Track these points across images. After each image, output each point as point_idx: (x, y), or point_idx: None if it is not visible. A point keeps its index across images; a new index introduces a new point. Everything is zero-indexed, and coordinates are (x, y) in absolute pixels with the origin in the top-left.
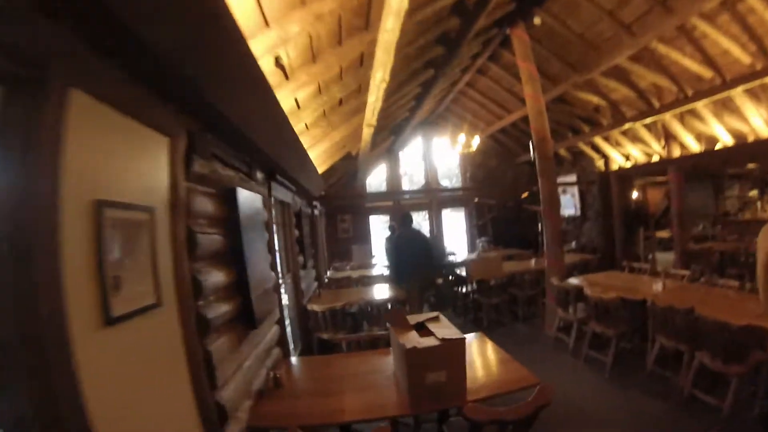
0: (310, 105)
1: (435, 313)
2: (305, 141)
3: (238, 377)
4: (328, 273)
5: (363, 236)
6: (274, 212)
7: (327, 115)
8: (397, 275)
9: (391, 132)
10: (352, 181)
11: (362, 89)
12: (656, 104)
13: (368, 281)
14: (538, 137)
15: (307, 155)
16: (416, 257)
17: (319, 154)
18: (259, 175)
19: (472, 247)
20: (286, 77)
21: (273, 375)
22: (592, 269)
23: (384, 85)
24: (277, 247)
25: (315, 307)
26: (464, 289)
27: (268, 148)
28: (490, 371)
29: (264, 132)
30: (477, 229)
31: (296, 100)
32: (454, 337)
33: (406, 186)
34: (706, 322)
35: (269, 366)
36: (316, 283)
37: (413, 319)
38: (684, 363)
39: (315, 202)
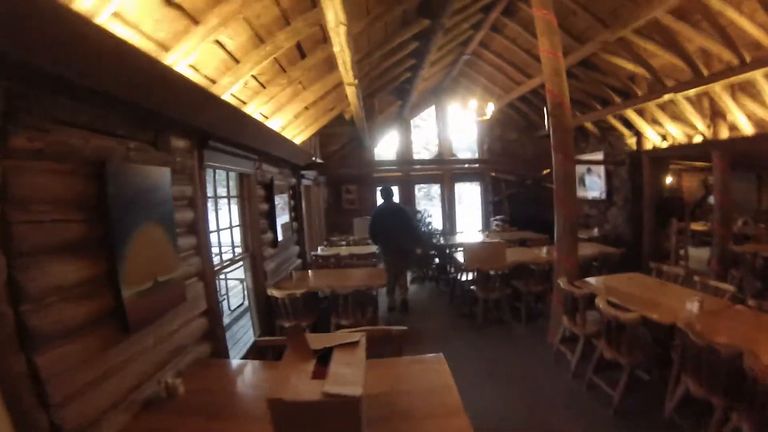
0: (251, 57)
1: (358, 335)
2: (262, 101)
3: (102, 389)
4: (319, 249)
5: (370, 208)
6: (216, 185)
7: (287, 71)
8: (376, 243)
9: (397, 96)
10: (358, 149)
11: (327, 39)
12: (704, 72)
13: (357, 261)
14: (554, 102)
15: (252, 119)
16: (393, 228)
17: (297, 117)
18: (180, 144)
19: (486, 226)
20: (196, 23)
21: (164, 383)
22: (613, 266)
23: (343, 30)
24: (222, 225)
25: (275, 292)
26: (459, 276)
27: (162, 108)
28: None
29: (145, 90)
30: (492, 206)
31: (228, 51)
32: (344, 392)
33: (419, 156)
34: (757, 375)
35: (180, 369)
36: (299, 261)
37: (321, 340)
38: (714, 420)
39: (305, 172)
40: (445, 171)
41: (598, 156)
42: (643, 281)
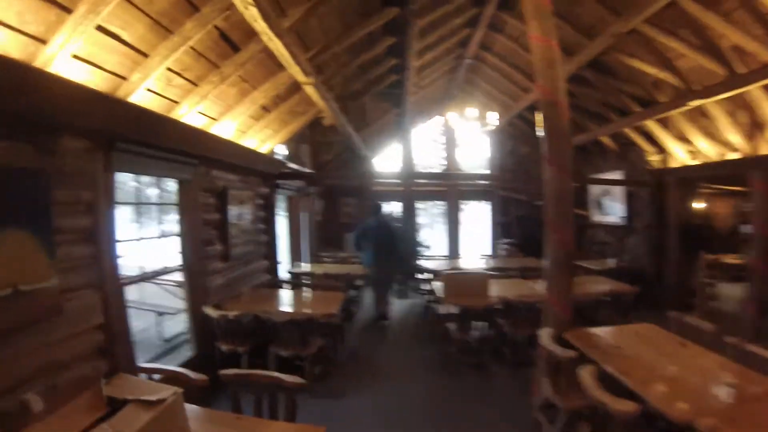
0: (160, 51)
1: (168, 392)
2: (194, 101)
3: None
4: (302, 265)
5: None
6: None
7: (220, 66)
8: (362, 259)
9: (393, 103)
10: (354, 160)
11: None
12: (741, 70)
13: (326, 282)
14: (546, 101)
15: (175, 120)
16: (377, 244)
17: (258, 120)
18: (75, 145)
19: (493, 249)
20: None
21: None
22: (626, 308)
23: (253, 12)
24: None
25: (210, 311)
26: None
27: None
28: None
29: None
30: (501, 228)
31: (129, 44)
32: None
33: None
34: None
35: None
36: (266, 278)
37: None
38: None
39: (286, 182)
40: (450, 187)
41: (617, 175)
42: (658, 339)
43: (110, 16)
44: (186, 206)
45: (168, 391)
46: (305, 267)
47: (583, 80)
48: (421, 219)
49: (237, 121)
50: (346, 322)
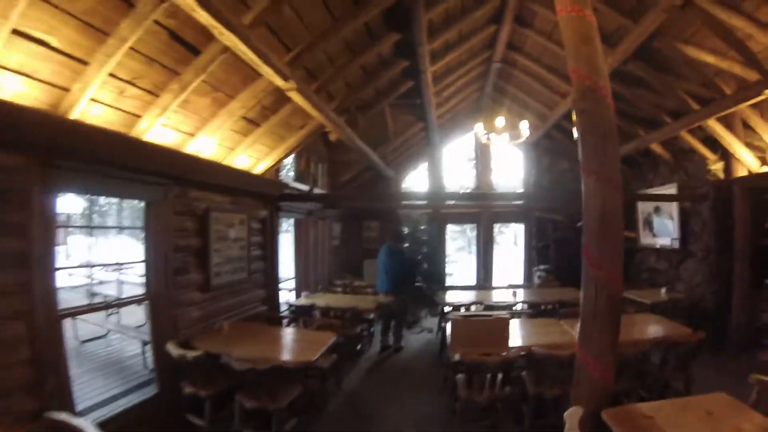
0: (97, 57)
1: None
2: (155, 113)
3: None
4: (303, 296)
5: None
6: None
7: (178, 72)
8: (378, 283)
9: (417, 115)
10: (377, 180)
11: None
12: None
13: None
14: (582, 87)
15: (129, 138)
16: (387, 270)
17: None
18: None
19: (528, 277)
20: None
21: None
22: (683, 357)
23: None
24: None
25: (172, 349)
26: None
27: None
28: None
29: None
30: (536, 252)
31: (63, 52)
32: None
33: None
34: None
35: None
36: (262, 310)
37: None
38: None
39: (291, 204)
40: (483, 209)
41: (670, 190)
42: (735, 420)
43: (30, 20)
44: (154, 230)
45: None
46: (309, 298)
47: (628, 76)
48: (454, 243)
49: (216, 135)
50: (346, 362)
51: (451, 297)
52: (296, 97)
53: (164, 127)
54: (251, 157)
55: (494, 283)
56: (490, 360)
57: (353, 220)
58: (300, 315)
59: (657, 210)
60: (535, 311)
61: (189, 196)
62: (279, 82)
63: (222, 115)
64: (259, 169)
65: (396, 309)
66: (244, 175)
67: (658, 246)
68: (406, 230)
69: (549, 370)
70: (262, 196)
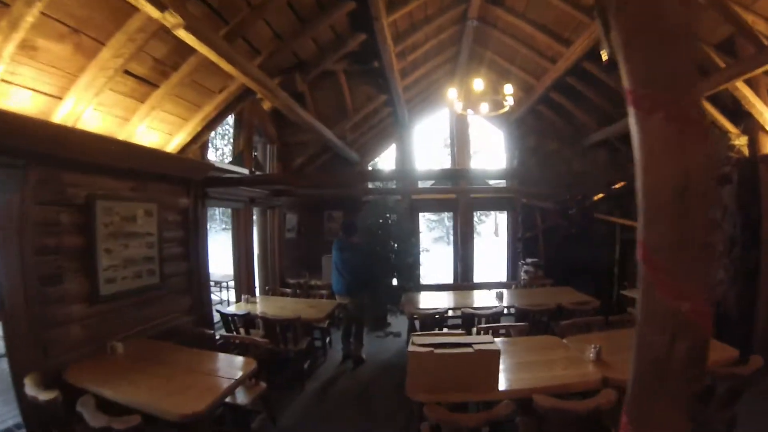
0: None
1: None
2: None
3: None
4: (242, 300)
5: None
6: None
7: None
8: (333, 283)
9: (378, 87)
10: (338, 164)
11: None
12: None
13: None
14: None
15: None
16: (344, 268)
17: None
18: None
19: (513, 272)
20: None
21: None
22: (732, 391)
23: None
24: None
25: (29, 385)
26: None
27: None
28: None
29: None
30: (522, 245)
31: None
32: None
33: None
34: None
35: None
36: (186, 321)
37: None
38: None
39: (222, 190)
40: (460, 194)
41: None
42: None
43: None
44: (2, 227)
45: None
46: (249, 303)
47: None
48: (431, 234)
49: (94, 99)
50: (285, 389)
51: (423, 300)
52: (189, 39)
53: (7, 84)
54: (157, 130)
55: (475, 279)
56: (466, 421)
57: (312, 210)
58: (229, 325)
59: None
60: (528, 323)
61: (61, 181)
62: (154, 13)
63: (92, 68)
64: (172, 146)
65: (352, 314)
66: (148, 154)
67: None
68: (373, 220)
69: (556, 422)
70: (181, 181)
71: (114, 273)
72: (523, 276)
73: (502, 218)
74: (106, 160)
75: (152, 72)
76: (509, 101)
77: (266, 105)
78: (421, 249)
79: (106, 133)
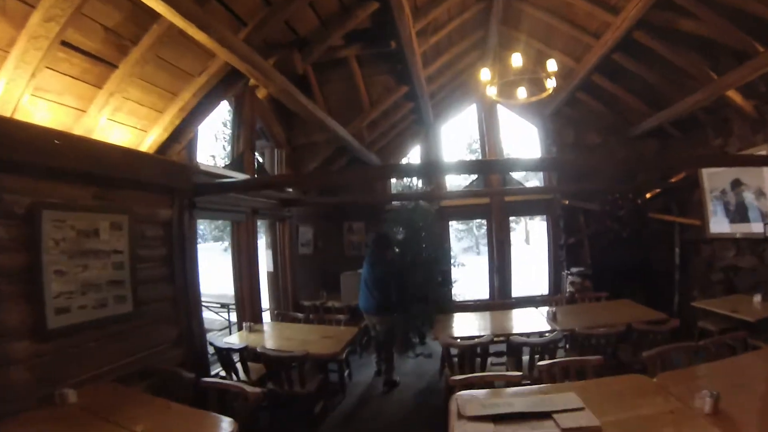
0: None
1: None
2: None
3: None
4: (244, 327)
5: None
6: None
7: None
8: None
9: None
10: (356, 167)
11: None
12: None
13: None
14: None
15: None
16: (367, 285)
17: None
18: None
19: (555, 284)
20: None
21: None
22: None
23: None
24: None
25: None
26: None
27: None
28: None
29: None
30: (565, 251)
31: None
32: None
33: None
34: None
35: None
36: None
37: None
38: None
39: (210, 200)
40: (493, 198)
41: (761, 152)
42: None
43: None
44: None
45: None
46: (252, 332)
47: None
48: (459, 244)
49: (32, 82)
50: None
51: (458, 324)
52: (161, 8)
53: None
54: (127, 125)
55: (513, 293)
56: None
57: (330, 222)
58: (227, 362)
59: (736, 184)
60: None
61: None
62: None
63: (22, 39)
64: (146, 145)
65: (382, 337)
66: (114, 153)
67: (738, 235)
68: (404, 230)
69: None
70: (162, 188)
71: (68, 301)
72: (568, 288)
73: (533, 224)
74: (57, 161)
75: (105, 46)
76: (552, 81)
77: (261, 93)
78: (453, 262)
79: (56, 126)
